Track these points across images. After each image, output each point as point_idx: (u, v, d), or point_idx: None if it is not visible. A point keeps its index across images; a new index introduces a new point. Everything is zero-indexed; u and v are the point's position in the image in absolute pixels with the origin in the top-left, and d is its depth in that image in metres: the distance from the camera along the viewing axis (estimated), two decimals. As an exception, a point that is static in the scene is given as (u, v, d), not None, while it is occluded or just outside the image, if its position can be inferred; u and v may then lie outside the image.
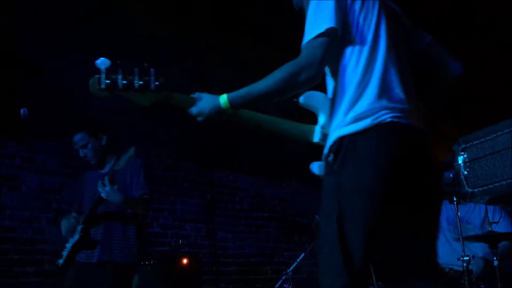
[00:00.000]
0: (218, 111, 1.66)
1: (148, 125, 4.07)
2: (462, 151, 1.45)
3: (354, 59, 1.57)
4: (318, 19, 1.55)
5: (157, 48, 4.95)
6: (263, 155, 5.89)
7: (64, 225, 3.16)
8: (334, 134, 1.56)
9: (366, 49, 1.57)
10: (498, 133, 1.38)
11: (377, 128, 1.49)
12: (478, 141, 1.42)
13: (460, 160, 1.45)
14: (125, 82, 1.66)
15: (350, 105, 1.54)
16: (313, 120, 1.89)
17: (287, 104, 1.79)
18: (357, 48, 1.57)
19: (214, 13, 5.02)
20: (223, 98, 1.65)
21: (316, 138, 1.86)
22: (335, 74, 1.62)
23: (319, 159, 1.82)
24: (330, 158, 1.54)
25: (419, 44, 1.78)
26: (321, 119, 1.87)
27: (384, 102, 1.52)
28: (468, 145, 1.44)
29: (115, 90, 1.67)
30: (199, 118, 1.72)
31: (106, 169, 3.17)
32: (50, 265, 3.99)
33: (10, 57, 4.14)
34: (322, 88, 1.75)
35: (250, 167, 5.84)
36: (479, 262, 3.54)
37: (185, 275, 4.16)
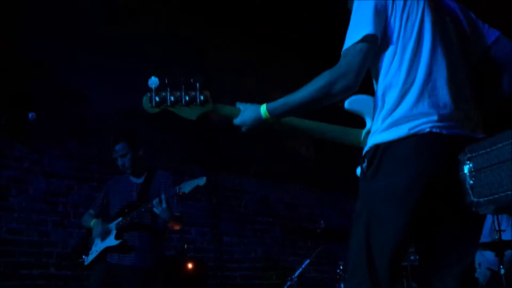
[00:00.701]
0: (260, 121, 1.69)
1: (154, 128, 4.09)
2: (468, 161, 1.45)
3: (396, 62, 1.54)
4: (357, 25, 1.53)
5: (164, 51, 4.98)
6: (269, 159, 5.89)
7: (97, 227, 3.33)
8: (371, 141, 1.55)
9: (408, 52, 1.54)
10: (504, 143, 1.37)
11: (414, 138, 1.46)
12: (484, 151, 1.41)
13: (466, 169, 1.44)
14: (172, 98, 1.80)
15: (390, 110, 1.52)
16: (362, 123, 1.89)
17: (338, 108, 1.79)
18: (399, 50, 1.54)
19: (222, 18, 5.04)
20: (263, 108, 1.68)
21: (363, 142, 1.85)
22: (377, 78, 1.60)
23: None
24: (364, 164, 1.54)
25: (482, 44, 1.69)
26: (368, 123, 1.87)
27: (425, 108, 1.48)
28: (474, 154, 1.43)
29: (164, 106, 1.81)
30: (243, 129, 1.75)
31: (141, 180, 3.38)
32: (56, 268, 4.01)
33: (19, 60, 4.17)
34: (370, 91, 1.73)
35: (256, 171, 5.85)
36: (486, 272, 3.52)
37: (190, 279, 4.17)
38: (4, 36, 4.06)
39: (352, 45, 1.51)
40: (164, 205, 3.06)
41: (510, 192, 1.37)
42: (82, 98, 4.51)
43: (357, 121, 1.86)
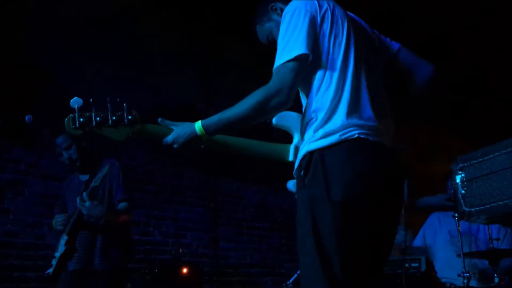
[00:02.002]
0: (194, 138, 1.69)
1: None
2: (460, 170, 1.46)
3: (325, 81, 1.61)
4: (289, 44, 1.59)
5: (164, 56, 4.99)
6: (267, 164, 5.89)
7: (57, 222, 3.14)
8: (304, 149, 1.61)
9: (336, 70, 1.61)
10: (496, 154, 1.39)
11: (345, 143, 1.54)
12: (476, 161, 1.43)
13: (458, 179, 1.45)
14: (98, 119, 1.71)
15: (321, 123, 1.59)
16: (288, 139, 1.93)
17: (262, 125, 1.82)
18: (328, 69, 1.61)
19: (221, 22, 5.05)
20: (198, 125, 1.69)
21: (291, 157, 1.90)
22: (307, 96, 1.67)
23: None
24: (301, 172, 1.58)
25: (389, 54, 1.83)
26: (295, 138, 1.92)
27: (354, 120, 1.56)
28: (466, 164, 1.45)
29: (89, 127, 1.72)
30: (175, 146, 1.74)
31: (86, 176, 3.14)
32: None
33: (18, 63, 4.19)
34: (296, 107, 1.78)
35: (254, 177, 5.85)
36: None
37: (186, 284, 4.16)
38: (4, 39, 4.07)
39: (284, 63, 1.57)
40: (87, 203, 2.86)
41: (501, 202, 1.38)
42: (82, 100, 4.51)
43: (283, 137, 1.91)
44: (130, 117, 1.73)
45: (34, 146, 4.32)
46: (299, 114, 1.81)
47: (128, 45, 4.70)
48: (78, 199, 2.88)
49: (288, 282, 4.15)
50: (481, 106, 6.25)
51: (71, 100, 1.76)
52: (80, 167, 3.17)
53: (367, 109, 1.59)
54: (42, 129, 4.02)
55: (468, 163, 1.43)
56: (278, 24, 1.76)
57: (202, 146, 1.75)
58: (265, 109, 1.58)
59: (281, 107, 1.60)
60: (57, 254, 3.05)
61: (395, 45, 1.84)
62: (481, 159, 1.41)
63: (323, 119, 1.58)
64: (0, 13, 4.01)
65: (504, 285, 3.25)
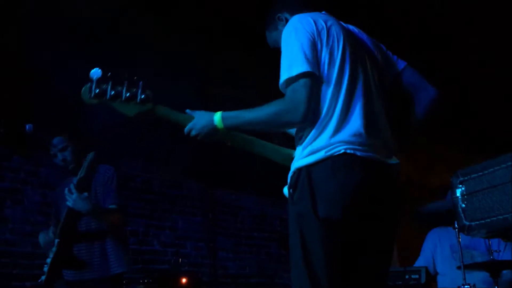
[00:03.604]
0: (212, 128, 1.72)
1: (151, 141, 4.10)
2: (460, 184, 1.46)
3: (320, 97, 1.62)
4: (295, 61, 1.59)
5: (164, 62, 5.00)
6: (266, 174, 5.88)
7: (42, 238, 3.10)
8: (293, 166, 1.63)
9: (330, 88, 1.62)
10: (495, 168, 1.39)
11: (330, 159, 1.55)
12: (476, 175, 1.43)
13: (458, 193, 1.45)
14: (113, 92, 1.77)
15: (310, 140, 1.60)
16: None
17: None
18: (322, 88, 1.62)
19: (220, 30, 5.07)
20: (217, 116, 1.71)
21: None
22: None
23: None
24: (291, 189, 1.61)
25: (393, 72, 1.82)
26: None
27: (341, 137, 1.57)
28: (466, 178, 1.45)
29: (103, 99, 1.78)
30: (192, 133, 1.77)
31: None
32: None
33: (17, 70, 4.19)
34: None
35: (253, 187, 5.84)
36: None
37: (184, 294, 4.14)
38: (4, 46, 4.08)
39: (296, 78, 1.57)
40: (74, 195, 2.75)
41: (501, 217, 1.38)
42: (81, 109, 4.52)
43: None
44: (143, 95, 1.78)
45: (34, 154, 4.31)
46: None
47: (125, 50, 4.72)
48: (66, 190, 2.79)
49: (287, 293, 4.14)
50: (480, 117, 6.26)
51: (92, 71, 1.82)
52: (74, 171, 3.06)
53: (358, 125, 1.59)
54: (42, 138, 4.03)
55: (468, 177, 1.44)
56: None
57: (219, 138, 1.77)
58: (277, 123, 1.62)
59: (295, 124, 1.63)
60: (49, 260, 2.97)
61: (401, 64, 1.83)
62: (481, 173, 1.41)
63: (312, 137, 1.59)
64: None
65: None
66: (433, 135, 6.41)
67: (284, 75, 1.61)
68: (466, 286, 3.16)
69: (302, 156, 1.60)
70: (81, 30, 4.46)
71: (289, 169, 1.67)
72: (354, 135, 1.57)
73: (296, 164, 1.61)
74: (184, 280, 4.15)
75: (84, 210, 2.82)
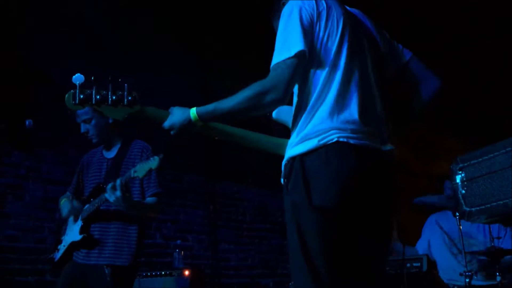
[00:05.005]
0: (189, 124, 1.70)
1: (151, 135, 4.09)
2: (460, 170, 1.46)
3: (312, 82, 1.61)
4: (287, 42, 1.58)
5: (163, 59, 5.00)
6: (267, 166, 5.89)
7: (66, 206, 2.86)
8: (286, 154, 1.62)
9: (324, 71, 1.60)
10: (495, 153, 1.39)
11: (323, 148, 1.53)
12: (475, 161, 1.43)
13: (458, 179, 1.46)
14: (98, 97, 1.73)
15: (303, 125, 1.59)
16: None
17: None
18: (317, 70, 1.60)
19: (219, 26, 5.06)
20: (193, 111, 1.70)
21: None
22: (296, 95, 1.68)
23: None
24: (285, 179, 1.60)
25: (399, 62, 1.80)
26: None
27: (334, 123, 1.56)
28: (466, 164, 1.45)
29: (89, 104, 1.75)
30: (172, 132, 1.76)
31: (113, 153, 2.88)
32: (52, 275, 4.00)
33: (17, 66, 4.19)
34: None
35: (254, 179, 5.85)
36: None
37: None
38: (5, 43, 4.07)
39: (283, 60, 1.56)
40: (118, 193, 2.51)
41: (501, 202, 1.39)
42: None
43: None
44: (130, 97, 1.75)
45: (34, 150, 4.32)
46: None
47: (125, 47, 4.71)
48: (109, 186, 2.54)
49: (290, 284, 4.15)
50: (479, 105, 6.26)
51: (73, 77, 1.78)
52: (102, 144, 2.89)
53: (353, 112, 1.58)
54: (42, 133, 4.03)
55: (468, 163, 1.44)
56: None
57: (197, 131, 1.75)
58: (259, 104, 1.58)
59: (276, 103, 1.60)
60: (68, 239, 2.76)
61: (407, 54, 1.81)
62: (480, 159, 1.42)
63: (304, 122, 1.58)
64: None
65: (506, 283, 3.26)
66: (433, 123, 6.40)
67: (274, 58, 1.59)
68: (468, 273, 3.18)
69: (295, 144, 1.59)
70: (80, 27, 4.46)
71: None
72: (347, 121, 1.56)
73: (289, 152, 1.60)
74: (187, 273, 4.17)
75: (124, 209, 2.63)
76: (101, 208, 2.70)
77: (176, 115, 1.74)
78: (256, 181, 5.82)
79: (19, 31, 4.22)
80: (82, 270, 2.71)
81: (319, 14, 1.63)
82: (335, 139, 1.53)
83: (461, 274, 3.25)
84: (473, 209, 1.44)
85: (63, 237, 2.86)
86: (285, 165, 1.61)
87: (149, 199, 2.78)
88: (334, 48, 1.62)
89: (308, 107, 1.59)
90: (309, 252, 1.50)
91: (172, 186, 5.22)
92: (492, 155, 1.41)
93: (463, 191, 1.44)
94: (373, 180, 1.55)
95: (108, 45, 4.59)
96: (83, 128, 2.83)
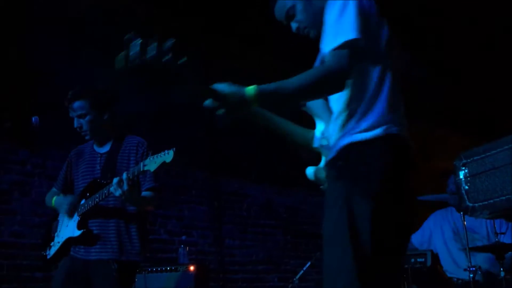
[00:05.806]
0: (243, 102, 1.55)
1: (156, 131, 4.11)
2: (463, 166, 1.47)
3: (370, 72, 1.61)
4: (344, 26, 1.54)
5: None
6: (271, 163, 5.91)
7: (63, 202, 2.79)
8: (345, 140, 1.59)
9: (380, 63, 1.61)
10: (498, 150, 1.40)
11: (386, 138, 1.54)
12: (478, 157, 1.44)
13: (461, 175, 1.47)
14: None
15: (362, 114, 1.58)
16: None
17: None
18: (373, 61, 1.60)
19: (219, 24, 5.06)
20: (250, 89, 1.55)
21: (316, 143, 1.88)
22: (351, 84, 1.63)
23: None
24: (340, 163, 1.57)
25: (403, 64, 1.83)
26: (320, 125, 1.89)
27: (392, 116, 1.58)
28: (469, 160, 1.46)
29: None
30: (220, 110, 1.58)
31: (106, 148, 2.81)
32: (45, 272, 4.01)
33: (22, 64, 4.21)
34: None
35: (258, 175, 5.86)
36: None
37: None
38: (9, 42, 4.09)
39: (341, 45, 1.52)
40: (125, 187, 2.44)
41: (504, 198, 1.40)
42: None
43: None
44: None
45: (40, 147, 4.34)
46: (325, 103, 1.78)
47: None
48: (116, 180, 2.46)
49: (294, 279, 4.18)
50: (481, 101, 6.25)
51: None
52: (94, 140, 2.83)
53: (401, 107, 1.62)
54: (47, 131, 4.05)
55: (471, 159, 1.45)
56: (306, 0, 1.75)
57: (245, 114, 1.65)
58: (323, 89, 1.55)
59: (336, 90, 1.57)
60: (63, 235, 2.73)
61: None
62: (483, 155, 1.43)
63: (365, 110, 1.57)
64: (1, 15, 4.04)
65: (510, 279, 3.26)
66: (435, 119, 6.40)
67: (331, 42, 1.54)
68: (472, 269, 3.18)
69: (356, 131, 1.56)
70: (83, 26, 4.47)
71: (313, 151, 1.66)
72: (401, 117, 1.60)
73: (349, 138, 1.57)
74: (191, 268, 4.20)
75: (130, 203, 2.60)
76: (99, 203, 2.64)
77: (228, 91, 1.57)
78: (261, 177, 5.84)
79: (22, 31, 4.24)
80: (84, 265, 2.67)
81: (372, 9, 1.63)
82: (395, 132, 1.55)
83: (465, 270, 3.26)
84: (476, 204, 1.45)
85: (55, 234, 2.81)
86: (343, 149, 1.57)
87: (145, 193, 2.71)
88: (383, 45, 1.63)
89: (367, 98, 1.58)
90: (359, 243, 1.46)
91: (177, 182, 5.24)
92: (495, 151, 1.42)
93: (466, 187, 1.45)
94: (411, 177, 1.57)
95: (108, 45, 4.60)
96: (77, 123, 2.76)
